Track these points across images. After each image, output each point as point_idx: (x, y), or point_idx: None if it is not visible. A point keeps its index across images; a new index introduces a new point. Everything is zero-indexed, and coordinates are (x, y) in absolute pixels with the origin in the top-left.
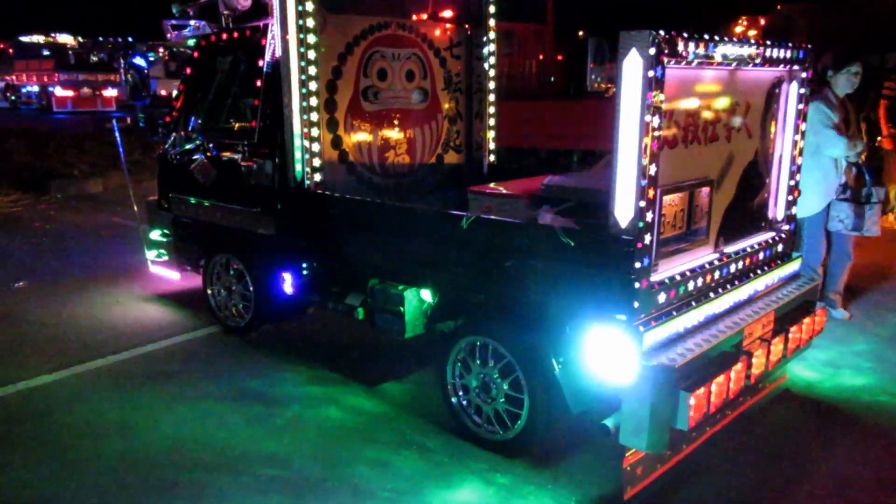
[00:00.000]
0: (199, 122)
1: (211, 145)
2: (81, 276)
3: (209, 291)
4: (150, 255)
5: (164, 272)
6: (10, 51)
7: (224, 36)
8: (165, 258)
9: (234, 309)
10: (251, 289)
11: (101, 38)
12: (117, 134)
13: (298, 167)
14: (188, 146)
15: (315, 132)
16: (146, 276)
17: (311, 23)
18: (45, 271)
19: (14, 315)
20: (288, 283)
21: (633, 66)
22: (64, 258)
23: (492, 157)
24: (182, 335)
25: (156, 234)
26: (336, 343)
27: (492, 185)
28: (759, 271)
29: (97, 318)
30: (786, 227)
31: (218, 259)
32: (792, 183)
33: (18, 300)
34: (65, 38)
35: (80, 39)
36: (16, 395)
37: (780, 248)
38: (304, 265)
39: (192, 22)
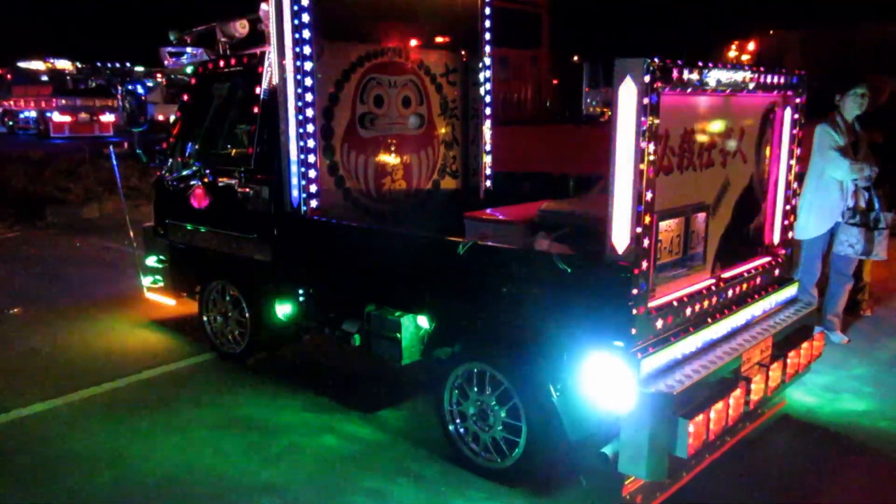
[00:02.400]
0: (196, 148)
1: (208, 171)
2: (76, 302)
3: (205, 318)
4: (146, 281)
5: (160, 298)
6: (9, 76)
7: (221, 63)
8: (161, 284)
9: (230, 335)
10: (247, 315)
11: (99, 64)
12: (114, 159)
13: (295, 193)
14: (185, 172)
15: (311, 158)
16: (141, 301)
17: (308, 50)
18: (40, 297)
19: (7, 342)
20: (284, 309)
21: (628, 93)
22: (58, 284)
23: (488, 183)
24: (177, 362)
25: (152, 260)
26: (332, 370)
27: (488, 210)
28: (756, 296)
29: (91, 345)
30: (782, 252)
31: (214, 285)
32: (787, 207)
33: (12, 326)
34: (63, 64)
35: (79, 65)
36: (8, 423)
37: (776, 272)
38: (301, 291)
39: (189, 49)
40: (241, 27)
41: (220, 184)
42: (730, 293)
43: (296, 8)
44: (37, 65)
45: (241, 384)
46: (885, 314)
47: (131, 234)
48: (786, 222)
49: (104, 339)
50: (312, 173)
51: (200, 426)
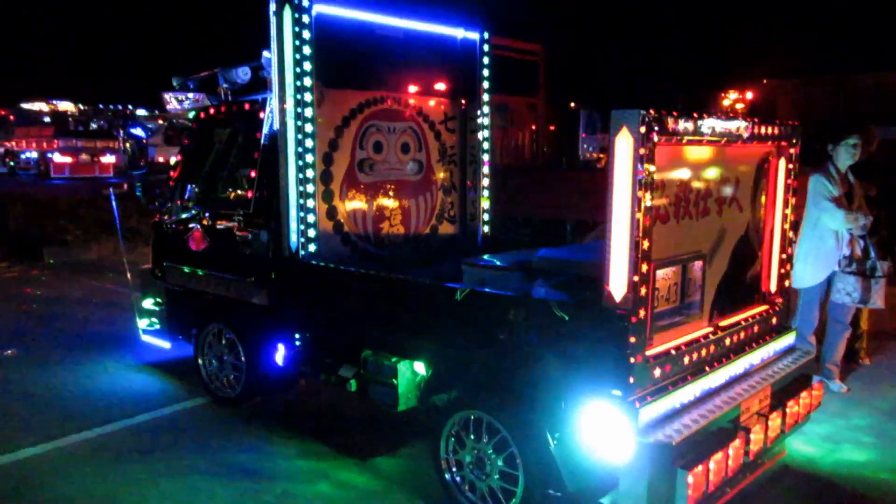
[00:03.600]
0: (196, 191)
1: (207, 214)
2: (71, 344)
3: (200, 361)
4: (142, 323)
5: (156, 341)
6: (11, 117)
7: (223, 108)
8: (157, 327)
9: (226, 379)
10: (243, 359)
11: (101, 106)
12: (113, 201)
13: (293, 237)
14: (184, 215)
15: (311, 203)
16: (137, 344)
17: (308, 97)
18: (35, 339)
19: (1, 384)
20: (280, 354)
21: (624, 144)
22: (54, 325)
23: (486, 228)
24: (171, 406)
25: (148, 303)
26: (328, 415)
27: (486, 256)
28: (754, 344)
29: (85, 388)
30: (779, 300)
31: (210, 328)
32: (784, 256)
33: (6, 368)
34: (66, 106)
35: (81, 107)
36: None
37: (774, 320)
38: (297, 335)
39: (191, 94)
40: (243, 74)
41: (219, 227)
42: (727, 342)
43: (297, 56)
44: (39, 106)
45: (236, 430)
46: (884, 363)
47: (129, 275)
48: (782, 270)
49: (98, 381)
50: (311, 218)
51: (193, 472)
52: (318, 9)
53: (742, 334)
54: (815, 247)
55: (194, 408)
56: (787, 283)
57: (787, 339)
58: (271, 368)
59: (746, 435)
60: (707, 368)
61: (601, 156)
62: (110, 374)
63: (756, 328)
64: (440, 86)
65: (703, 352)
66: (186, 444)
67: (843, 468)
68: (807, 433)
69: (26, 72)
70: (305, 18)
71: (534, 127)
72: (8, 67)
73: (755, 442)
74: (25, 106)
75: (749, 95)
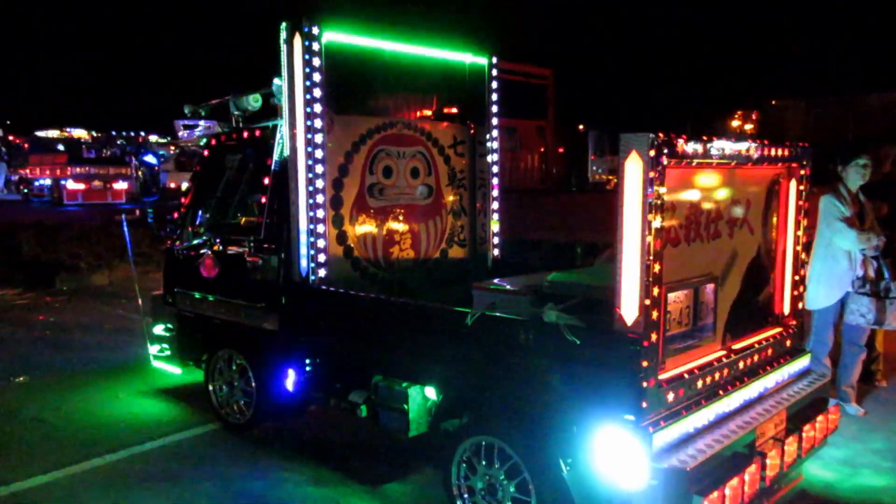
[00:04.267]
0: (207, 217)
1: (217, 240)
2: (82, 370)
3: (210, 387)
4: (153, 349)
5: (166, 367)
6: (26, 146)
7: (234, 135)
8: (168, 352)
9: (236, 405)
10: (253, 385)
11: (114, 133)
12: (125, 227)
13: (304, 262)
14: (195, 241)
15: (321, 228)
16: (148, 370)
17: (318, 123)
18: (47, 365)
19: (12, 411)
20: (291, 380)
21: (633, 168)
22: (66, 351)
23: (496, 252)
24: (181, 432)
25: (159, 328)
26: (338, 441)
27: (496, 280)
28: (768, 367)
29: (95, 415)
30: (793, 322)
31: (221, 354)
32: (797, 278)
33: (17, 395)
34: (79, 133)
35: (94, 134)
36: (7, 497)
37: (788, 343)
38: (308, 361)
39: (202, 122)
40: (254, 101)
41: (230, 253)
42: (741, 365)
43: (308, 83)
44: (53, 134)
45: (246, 456)
46: None
47: (140, 301)
48: (795, 292)
49: (109, 408)
50: (321, 243)
51: (204, 499)
52: (327, 36)
53: (756, 357)
54: (828, 268)
55: (205, 434)
56: (800, 305)
57: (802, 362)
58: (282, 394)
59: (762, 460)
60: (721, 392)
61: (610, 177)
62: (121, 401)
63: (770, 351)
64: (449, 110)
65: (717, 375)
66: (196, 471)
67: (863, 493)
68: (824, 457)
69: (40, 100)
70: (316, 46)
71: (543, 150)
72: (23, 96)
73: (771, 467)
74: (40, 134)
75: (755, 117)
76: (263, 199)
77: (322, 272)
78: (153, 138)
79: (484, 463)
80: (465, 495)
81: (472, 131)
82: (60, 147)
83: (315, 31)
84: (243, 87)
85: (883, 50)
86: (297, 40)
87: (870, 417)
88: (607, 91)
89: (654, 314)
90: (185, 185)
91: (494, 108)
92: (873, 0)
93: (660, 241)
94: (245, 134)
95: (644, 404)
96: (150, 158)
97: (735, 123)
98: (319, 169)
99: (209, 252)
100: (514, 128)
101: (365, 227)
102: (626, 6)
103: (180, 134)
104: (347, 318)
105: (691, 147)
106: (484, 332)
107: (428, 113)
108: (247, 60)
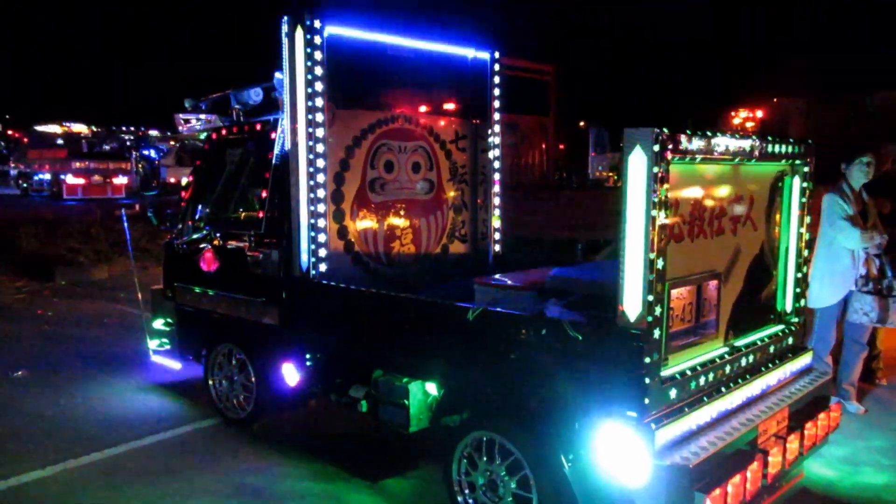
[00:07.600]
0: (207, 212)
1: (218, 235)
2: (81, 365)
3: (210, 382)
4: (153, 343)
5: (166, 361)
6: (25, 140)
7: (235, 129)
8: (167, 347)
9: (236, 400)
10: (253, 379)
11: (114, 128)
12: (125, 222)
13: (304, 257)
14: (195, 235)
15: (322, 223)
16: (147, 365)
17: (320, 117)
18: (46, 359)
19: (11, 405)
20: (290, 374)
21: (637, 163)
22: (65, 346)
23: (497, 247)
24: (181, 427)
25: (159, 323)
26: (338, 436)
27: (497, 276)
28: (770, 365)
29: (94, 409)
30: (795, 320)
31: (220, 349)
32: (799, 275)
33: (16, 390)
34: (79, 127)
35: (94, 128)
36: (5, 491)
37: (790, 340)
38: (308, 356)
39: (203, 116)
40: (255, 95)
41: (230, 247)
42: (743, 362)
43: (309, 77)
44: (53, 128)
45: (246, 451)
46: None
47: (139, 296)
48: (798, 290)
49: (108, 402)
50: (322, 237)
51: (202, 495)
52: (329, 30)
53: (758, 354)
54: (831, 266)
55: (204, 428)
56: (802, 303)
57: (804, 360)
58: (281, 389)
59: (764, 457)
60: (723, 389)
61: (610, 174)
62: (120, 395)
63: (772, 348)
64: (451, 105)
65: (719, 372)
66: (196, 466)
67: (864, 491)
68: (825, 455)
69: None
70: (317, 39)
71: (544, 145)
72: (22, 90)
73: (773, 465)
74: (39, 128)
75: (759, 114)
76: (264, 194)
77: (323, 267)
78: (153, 133)
79: (485, 459)
80: (466, 491)
81: (473, 126)
82: (60, 141)
83: (317, 24)
84: (244, 81)
85: (886, 49)
86: (299, 34)
87: (870, 415)
88: (610, 88)
89: (657, 310)
90: (185, 181)
91: (497, 104)
92: (873, 0)
93: (663, 236)
94: (246, 128)
95: (646, 401)
96: (150, 153)
97: (737, 121)
98: (320, 163)
99: (209, 246)
100: (515, 123)
101: (366, 221)
102: (627, 6)
103: (181, 128)
104: (348, 312)
105: (695, 142)
106: (486, 328)
107: (430, 108)
108: (248, 54)
